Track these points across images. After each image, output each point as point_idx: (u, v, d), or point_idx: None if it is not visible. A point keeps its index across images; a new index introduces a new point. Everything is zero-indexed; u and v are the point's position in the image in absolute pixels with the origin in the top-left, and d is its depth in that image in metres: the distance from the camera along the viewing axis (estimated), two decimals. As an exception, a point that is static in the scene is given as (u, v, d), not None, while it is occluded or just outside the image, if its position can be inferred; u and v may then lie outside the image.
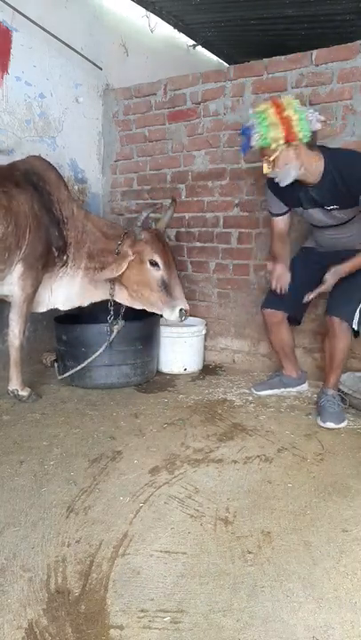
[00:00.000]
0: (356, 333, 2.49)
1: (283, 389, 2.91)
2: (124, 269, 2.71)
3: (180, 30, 4.72)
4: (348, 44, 2.86)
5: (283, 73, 3.08)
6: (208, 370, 3.45)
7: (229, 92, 3.30)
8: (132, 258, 2.71)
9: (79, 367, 2.89)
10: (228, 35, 4.75)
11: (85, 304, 2.95)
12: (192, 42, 4.95)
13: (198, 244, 3.60)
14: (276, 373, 3.00)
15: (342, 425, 2.45)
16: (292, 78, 3.05)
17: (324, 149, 2.41)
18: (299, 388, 2.94)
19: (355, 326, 2.44)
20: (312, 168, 2.35)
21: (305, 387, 2.95)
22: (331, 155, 2.38)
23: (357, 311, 2.43)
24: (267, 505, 1.77)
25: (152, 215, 2.87)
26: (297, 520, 1.68)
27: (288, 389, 2.92)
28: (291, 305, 2.73)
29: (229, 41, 4.93)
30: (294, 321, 2.86)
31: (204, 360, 3.50)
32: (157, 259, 2.71)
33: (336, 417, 2.45)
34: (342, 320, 2.43)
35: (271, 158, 2.29)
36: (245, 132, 2.31)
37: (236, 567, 1.46)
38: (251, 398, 2.86)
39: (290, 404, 2.77)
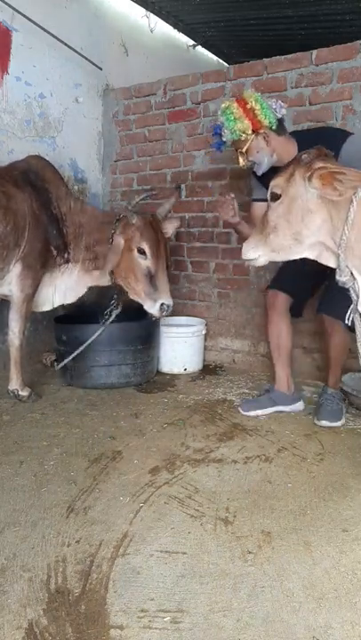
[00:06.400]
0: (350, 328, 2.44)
1: (273, 408, 2.62)
2: (114, 262, 2.66)
3: (179, 30, 4.72)
4: (348, 43, 2.87)
5: (283, 73, 3.08)
6: (208, 370, 3.44)
7: (229, 92, 3.30)
8: (123, 245, 2.65)
9: (75, 353, 2.87)
10: (228, 35, 4.75)
11: (81, 294, 2.94)
12: (192, 42, 4.95)
13: (198, 244, 3.60)
14: (265, 388, 2.79)
15: (338, 424, 2.44)
16: (291, 78, 3.05)
17: (295, 133, 2.48)
18: (292, 407, 2.64)
19: (348, 322, 2.41)
20: (285, 153, 2.39)
21: (300, 406, 2.66)
22: (302, 136, 2.44)
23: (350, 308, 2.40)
24: (267, 505, 1.77)
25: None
26: (297, 520, 1.68)
27: (279, 408, 2.63)
28: (295, 290, 2.63)
29: (229, 41, 4.93)
30: (296, 311, 2.73)
31: (204, 360, 3.50)
32: (145, 247, 2.61)
33: (332, 415, 2.44)
34: (333, 317, 2.38)
35: (244, 149, 2.39)
36: (217, 131, 2.41)
37: (236, 567, 1.46)
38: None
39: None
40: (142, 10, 4.26)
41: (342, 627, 1.23)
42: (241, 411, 2.65)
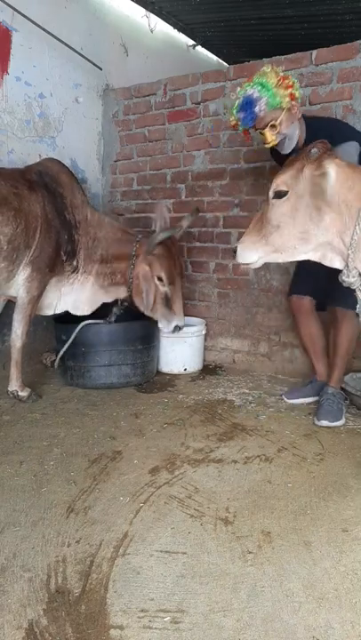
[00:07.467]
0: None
1: (316, 397, 2.69)
2: (151, 295, 2.82)
3: (179, 30, 4.72)
4: (348, 43, 2.86)
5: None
6: (208, 370, 3.45)
7: (229, 91, 3.29)
8: (145, 271, 2.82)
9: (67, 344, 2.94)
10: (228, 35, 4.75)
11: (95, 308, 2.97)
12: (192, 42, 4.95)
13: (198, 244, 3.60)
14: (311, 380, 2.83)
15: (338, 424, 2.44)
16: (291, 78, 3.05)
17: (304, 117, 2.45)
18: None
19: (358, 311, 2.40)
20: (302, 132, 2.38)
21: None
22: (312, 122, 2.41)
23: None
24: (267, 505, 1.77)
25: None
26: (297, 520, 1.68)
27: None
28: (316, 290, 2.63)
29: (229, 41, 4.93)
30: (320, 307, 2.73)
31: (204, 360, 3.50)
32: (164, 276, 2.82)
33: (332, 415, 2.44)
34: (346, 309, 2.37)
35: (278, 121, 2.29)
36: (248, 102, 2.27)
37: (236, 567, 1.46)
38: (251, 398, 2.86)
39: (290, 404, 2.76)
40: (142, 10, 4.26)
41: (342, 627, 1.23)
42: (285, 398, 2.79)
